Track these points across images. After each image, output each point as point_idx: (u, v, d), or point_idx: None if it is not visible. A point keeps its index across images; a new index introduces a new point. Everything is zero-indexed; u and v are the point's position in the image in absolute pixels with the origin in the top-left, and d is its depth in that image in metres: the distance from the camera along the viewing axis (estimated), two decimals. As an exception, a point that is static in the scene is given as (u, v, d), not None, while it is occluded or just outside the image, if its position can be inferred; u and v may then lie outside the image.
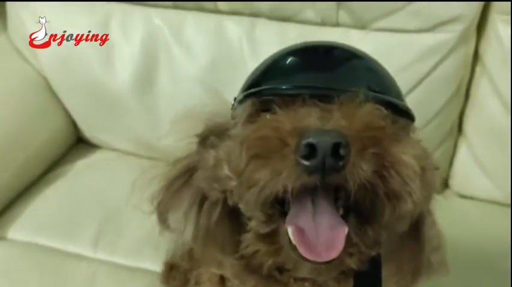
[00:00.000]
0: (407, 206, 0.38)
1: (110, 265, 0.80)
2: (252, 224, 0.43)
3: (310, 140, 0.35)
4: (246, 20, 0.93)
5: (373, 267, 0.43)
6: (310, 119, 0.38)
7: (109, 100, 0.99)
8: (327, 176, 0.36)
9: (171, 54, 0.95)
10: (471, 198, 0.92)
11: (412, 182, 0.38)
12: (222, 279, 0.52)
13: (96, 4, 0.96)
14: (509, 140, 0.85)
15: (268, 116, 0.41)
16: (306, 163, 0.35)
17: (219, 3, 0.92)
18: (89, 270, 0.78)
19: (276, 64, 0.47)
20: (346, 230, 0.39)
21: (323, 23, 0.89)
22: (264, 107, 0.43)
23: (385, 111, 0.41)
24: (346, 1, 0.84)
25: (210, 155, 0.44)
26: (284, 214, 0.41)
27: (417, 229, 0.45)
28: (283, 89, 0.43)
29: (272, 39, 0.92)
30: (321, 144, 0.35)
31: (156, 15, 0.96)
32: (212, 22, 0.94)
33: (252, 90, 0.45)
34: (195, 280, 0.63)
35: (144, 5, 0.96)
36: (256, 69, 0.49)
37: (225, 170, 0.41)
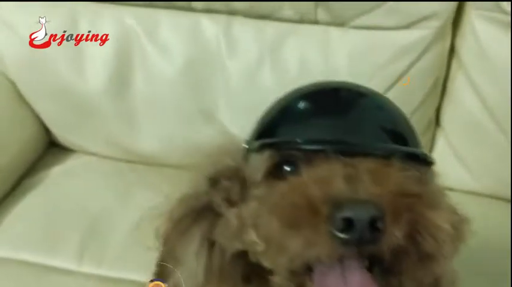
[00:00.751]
0: (440, 266, 0.39)
1: (96, 279, 0.78)
2: (276, 279, 0.42)
3: (347, 214, 0.35)
4: (222, 18, 0.90)
5: None
6: (338, 183, 0.37)
7: (82, 104, 0.96)
8: (363, 248, 0.36)
9: (145, 55, 0.92)
10: (449, 189, 0.94)
11: (447, 245, 0.38)
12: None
13: (62, 4, 0.92)
14: (486, 132, 0.88)
15: (292, 176, 0.41)
16: (342, 236, 0.35)
17: (193, 2, 0.90)
18: (74, 285, 0.77)
19: (288, 110, 0.46)
20: None
21: (301, 21, 0.88)
22: (284, 159, 0.42)
23: (412, 170, 0.41)
24: (324, 1, 0.83)
25: (232, 215, 0.43)
26: (309, 269, 0.40)
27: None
28: (300, 143, 0.42)
29: (249, 37, 0.90)
30: (358, 218, 0.34)
31: (128, 14, 0.92)
32: (187, 20, 0.91)
33: (268, 141, 0.45)
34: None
35: (114, 4, 0.92)
36: (268, 113, 0.48)
37: (252, 236, 0.40)
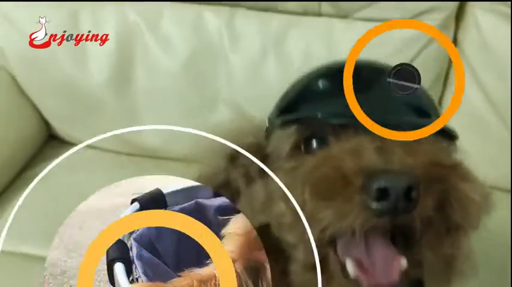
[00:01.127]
0: (467, 236, 0.39)
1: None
2: (299, 253, 0.42)
3: (382, 183, 0.34)
4: (225, 10, 0.90)
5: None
6: (370, 155, 0.37)
7: (83, 98, 0.95)
8: (397, 218, 0.36)
9: (148, 48, 0.92)
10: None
11: (476, 217, 0.39)
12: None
13: (62, 3, 0.91)
14: (488, 125, 0.88)
15: (320, 151, 0.41)
16: (377, 206, 0.35)
17: (196, -5, 0.90)
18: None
19: (310, 87, 0.46)
20: (402, 261, 0.39)
21: (305, 13, 0.88)
22: (312, 134, 0.42)
23: (443, 143, 0.42)
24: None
25: (258, 187, 0.43)
26: (332, 241, 0.40)
27: None
28: (325, 117, 0.42)
29: (253, 29, 0.90)
30: (394, 187, 0.34)
31: (130, 8, 0.91)
32: (190, 13, 0.91)
33: (293, 116, 0.44)
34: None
35: (116, -1, 0.92)
36: (290, 91, 0.48)
37: (281, 207, 0.40)
